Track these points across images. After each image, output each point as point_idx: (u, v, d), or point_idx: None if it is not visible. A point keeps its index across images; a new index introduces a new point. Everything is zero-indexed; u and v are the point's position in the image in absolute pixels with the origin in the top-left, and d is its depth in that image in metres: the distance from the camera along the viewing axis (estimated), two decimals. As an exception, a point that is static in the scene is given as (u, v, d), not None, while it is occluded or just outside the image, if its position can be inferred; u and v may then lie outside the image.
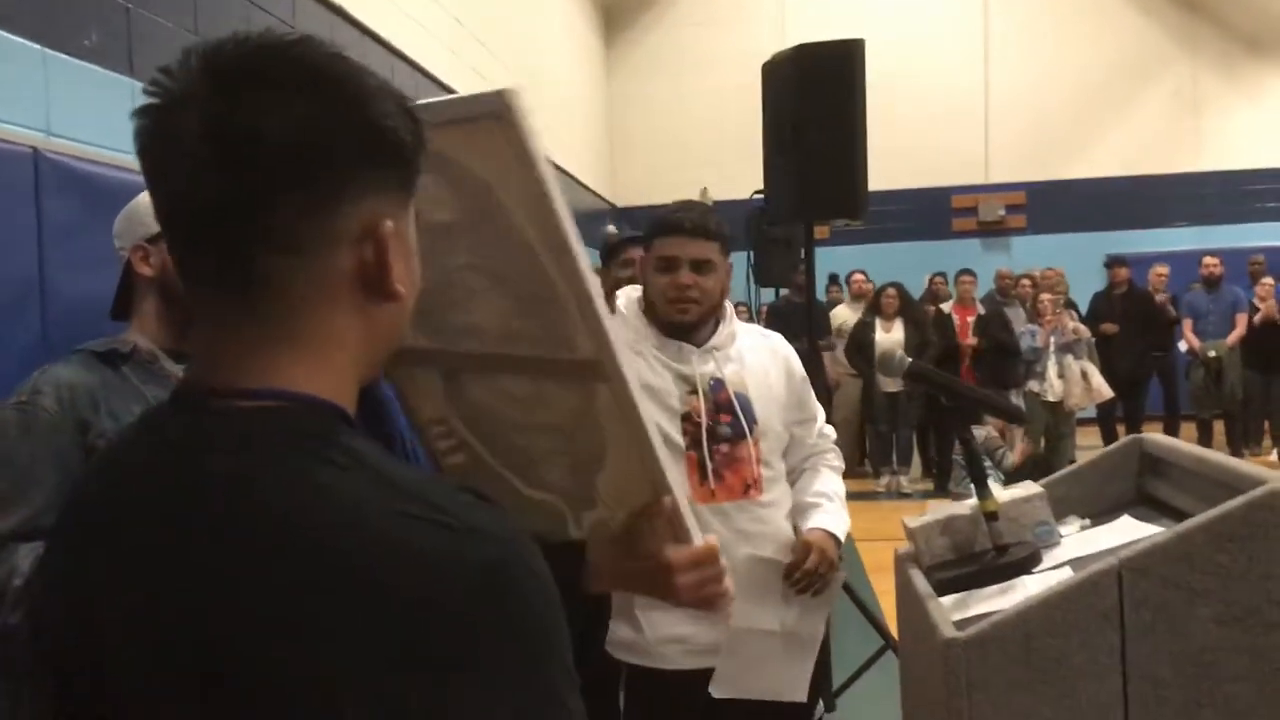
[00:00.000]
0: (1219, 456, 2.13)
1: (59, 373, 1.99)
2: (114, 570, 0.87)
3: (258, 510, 0.82)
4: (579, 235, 1.18)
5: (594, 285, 1.19)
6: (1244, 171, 14.14)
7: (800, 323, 9.67)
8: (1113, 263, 10.65)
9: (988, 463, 8.52)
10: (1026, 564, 2.09)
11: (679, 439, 2.39)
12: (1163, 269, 10.74)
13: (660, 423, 2.35)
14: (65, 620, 0.92)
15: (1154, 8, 14.54)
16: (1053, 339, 9.47)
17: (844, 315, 10.44)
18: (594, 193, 13.38)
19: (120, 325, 2.32)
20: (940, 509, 2.25)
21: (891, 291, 9.69)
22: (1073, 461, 10.14)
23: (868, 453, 10.40)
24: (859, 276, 10.70)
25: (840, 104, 4.40)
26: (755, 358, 2.59)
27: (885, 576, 7.76)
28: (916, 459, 10.33)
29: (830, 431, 2.76)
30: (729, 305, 2.63)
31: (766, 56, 4.76)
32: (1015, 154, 14.36)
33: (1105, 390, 9.54)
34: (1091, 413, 10.06)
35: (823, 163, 4.42)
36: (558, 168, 12.46)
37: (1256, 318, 10.10)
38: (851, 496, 7.52)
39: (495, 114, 1.15)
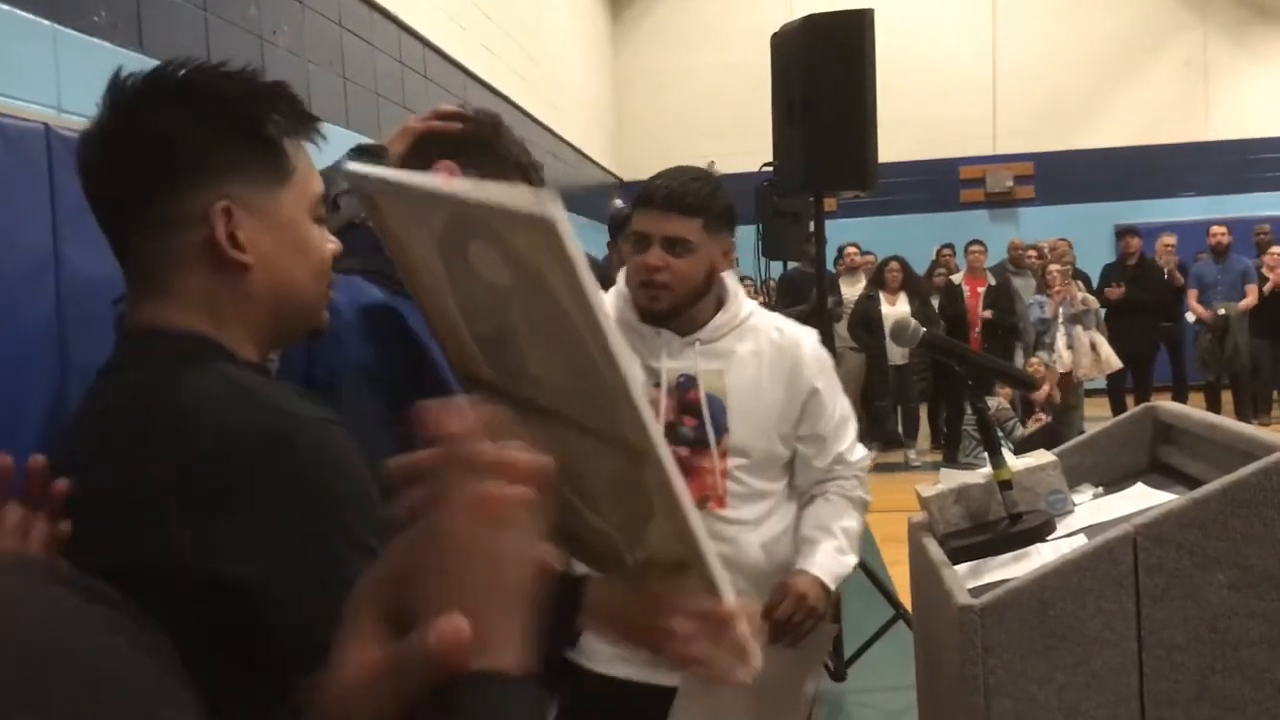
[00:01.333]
0: (1232, 423, 2.14)
1: None
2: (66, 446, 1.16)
3: (127, 399, 1.08)
4: (621, 338, 1.21)
5: (636, 382, 1.20)
6: (1253, 140, 14.05)
7: (807, 293, 9.70)
8: (1124, 233, 10.61)
9: (999, 433, 8.52)
10: (1040, 532, 2.10)
11: None
12: (1170, 239, 10.70)
13: None
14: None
15: (1164, -26, 14.45)
16: (1061, 310, 9.46)
17: (841, 289, 10.40)
18: (599, 165, 13.35)
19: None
20: (954, 478, 2.25)
21: (895, 265, 9.67)
22: (1081, 432, 10.15)
23: (867, 426, 10.38)
24: (851, 250, 10.63)
25: (850, 74, 4.39)
26: (752, 359, 2.24)
27: (895, 547, 7.71)
28: (925, 430, 10.34)
29: (859, 458, 2.33)
30: (736, 290, 2.29)
31: (775, 28, 4.75)
32: (1023, 124, 14.28)
33: (1114, 361, 9.53)
34: (1101, 383, 10.05)
35: (832, 134, 4.41)
36: (561, 139, 12.23)
37: (1266, 286, 10.06)
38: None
39: (533, 218, 1.20)
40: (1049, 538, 2.09)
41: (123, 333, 1.16)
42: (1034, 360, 9.17)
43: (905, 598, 5.37)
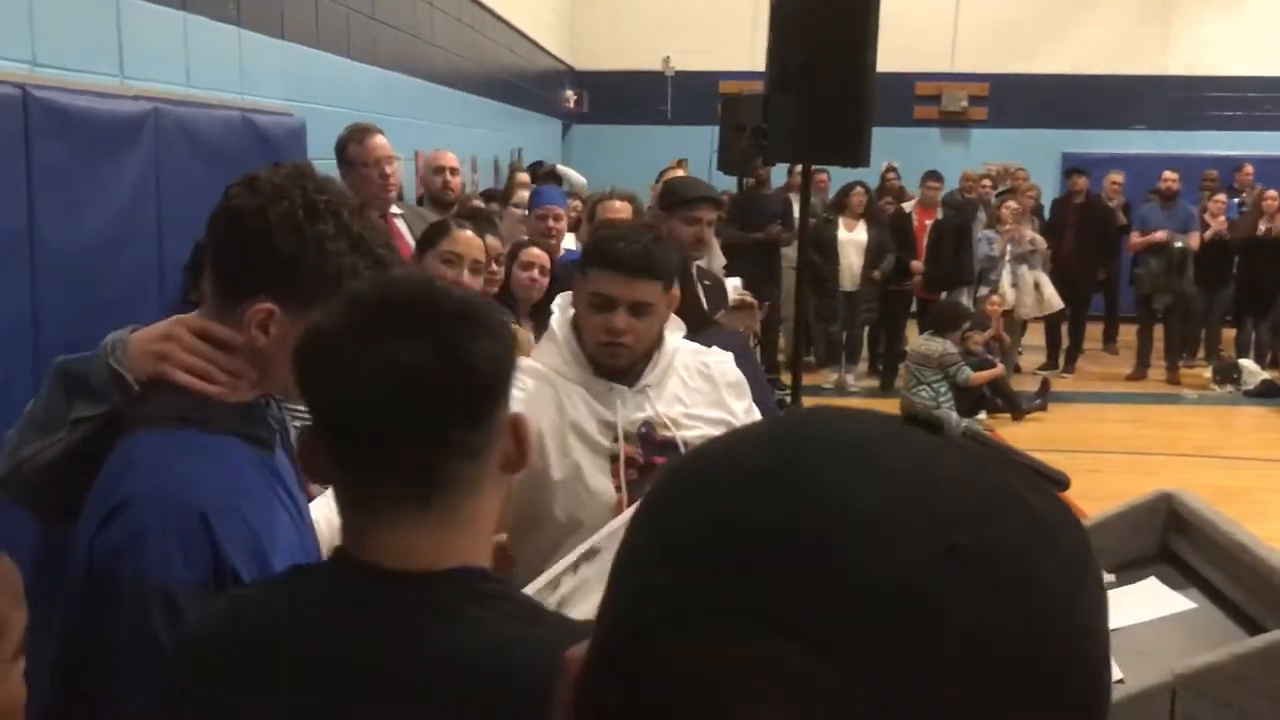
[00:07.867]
0: (1244, 534, 2.15)
1: None
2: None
3: (439, 659, 1.05)
4: None
5: None
6: (1207, 78, 14.08)
7: (760, 213, 9.60)
8: (1072, 171, 10.66)
9: (939, 376, 8.58)
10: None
11: (608, 481, 2.22)
12: (1117, 176, 10.76)
13: (583, 462, 2.21)
14: None
15: (1137, -100, 14.21)
16: (1009, 248, 9.52)
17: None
18: (552, 55, 12.96)
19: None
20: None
21: (860, 190, 9.58)
22: (1018, 368, 10.34)
23: (813, 349, 10.37)
24: (823, 177, 10.50)
25: (852, 46, 4.28)
26: (688, 393, 2.37)
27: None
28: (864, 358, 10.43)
29: None
30: (667, 336, 2.39)
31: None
32: (983, 44, 14.08)
33: (1056, 301, 9.67)
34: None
35: (827, 105, 4.32)
36: (514, 28, 11.83)
37: (1207, 234, 10.19)
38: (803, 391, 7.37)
39: None
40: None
41: (369, 568, 1.10)
42: (995, 299, 9.25)
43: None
